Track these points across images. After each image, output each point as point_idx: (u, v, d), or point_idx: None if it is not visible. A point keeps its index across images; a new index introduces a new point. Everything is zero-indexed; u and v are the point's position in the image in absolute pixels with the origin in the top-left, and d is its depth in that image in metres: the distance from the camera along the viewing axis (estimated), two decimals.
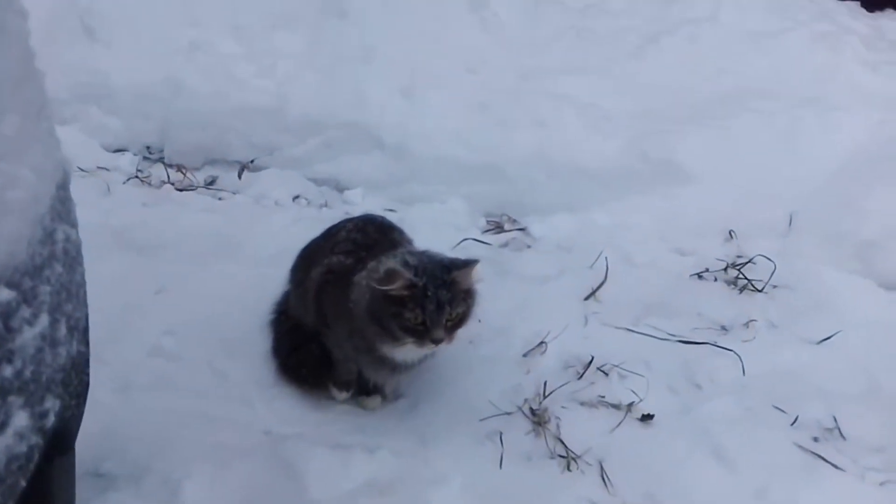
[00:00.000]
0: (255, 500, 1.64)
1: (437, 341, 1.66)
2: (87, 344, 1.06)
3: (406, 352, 1.73)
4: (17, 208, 0.85)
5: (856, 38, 3.22)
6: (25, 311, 0.87)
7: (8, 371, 0.83)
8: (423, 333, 1.65)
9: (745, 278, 2.56)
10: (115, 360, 2.00)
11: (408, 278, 1.64)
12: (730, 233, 2.77)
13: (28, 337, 0.87)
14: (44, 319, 0.90)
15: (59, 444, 0.98)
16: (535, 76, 3.11)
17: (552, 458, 1.81)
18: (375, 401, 1.94)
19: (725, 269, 2.63)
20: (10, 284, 0.83)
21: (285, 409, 1.88)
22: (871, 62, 3.10)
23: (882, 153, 2.78)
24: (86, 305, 1.06)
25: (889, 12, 3.55)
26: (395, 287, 1.63)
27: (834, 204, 2.72)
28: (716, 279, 2.61)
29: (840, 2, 3.51)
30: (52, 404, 0.93)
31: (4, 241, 0.82)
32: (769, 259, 2.60)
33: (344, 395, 1.95)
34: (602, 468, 1.79)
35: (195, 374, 1.98)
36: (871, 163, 2.76)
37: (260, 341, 2.10)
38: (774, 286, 2.54)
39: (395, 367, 1.80)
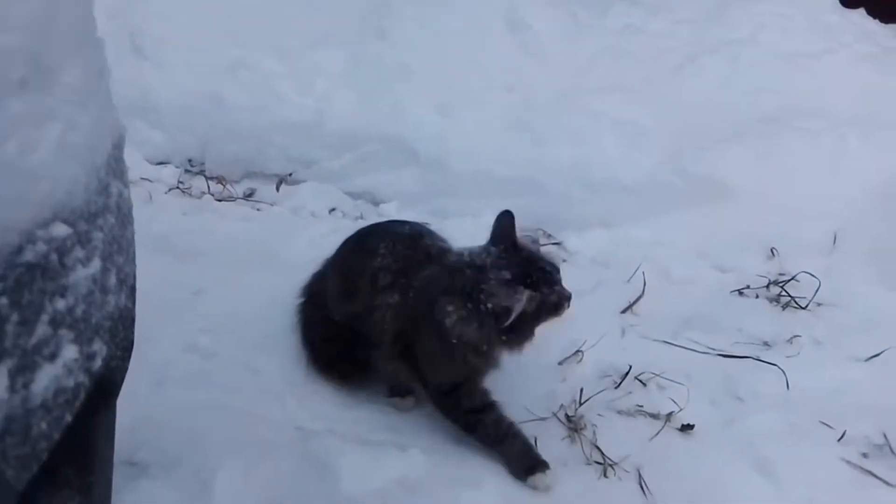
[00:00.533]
0: (285, 494, 1.62)
1: (569, 297, 1.69)
2: (133, 301, 1.07)
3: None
4: (77, 153, 0.88)
5: None
6: (80, 252, 0.90)
7: (61, 305, 0.85)
8: (561, 305, 1.67)
9: (789, 295, 2.50)
10: (152, 356, 2.00)
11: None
12: (771, 250, 2.71)
13: (81, 276, 0.89)
14: (96, 264, 0.92)
15: (104, 391, 0.98)
16: (574, 95, 3.12)
17: (588, 464, 1.76)
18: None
19: (767, 286, 2.57)
20: (67, 222, 0.85)
21: (317, 406, 1.87)
22: None
23: None
24: (134, 263, 1.08)
25: None
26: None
27: (879, 222, 2.65)
28: (757, 296, 2.55)
29: (884, 24, 3.46)
30: (99, 348, 0.94)
31: (65, 181, 0.85)
32: (813, 276, 2.54)
33: (550, 474, 1.70)
34: (640, 476, 1.73)
35: (229, 371, 1.98)
36: None
37: (293, 340, 2.10)
38: (819, 304, 2.47)
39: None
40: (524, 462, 1.69)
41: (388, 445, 1.72)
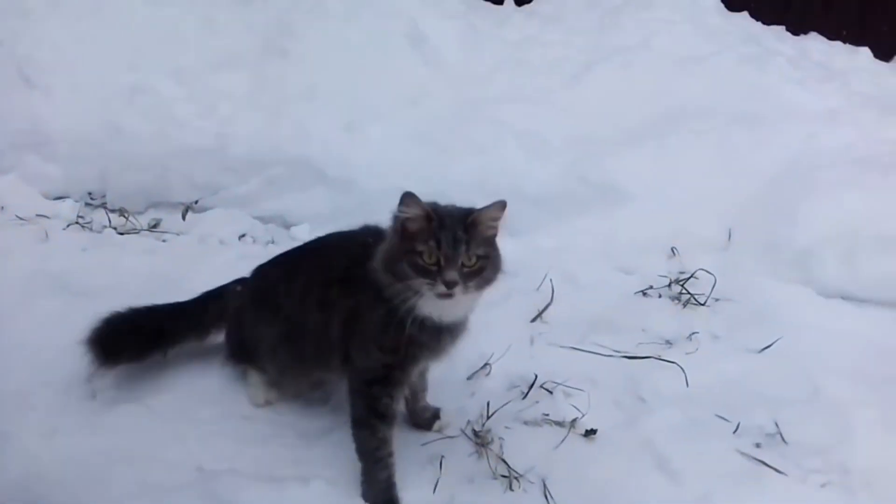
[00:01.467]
0: None
1: (450, 284, 1.53)
2: None
3: (427, 305, 1.59)
4: None
5: (782, 58, 3.34)
6: None
7: None
8: (435, 275, 1.53)
9: (688, 292, 2.60)
10: (44, 405, 1.94)
11: (423, 207, 1.56)
12: (672, 249, 2.81)
13: None
14: None
15: None
16: (476, 106, 3.16)
17: (495, 478, 1.78)
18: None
19: (669, 285, 2.67)
20: None
21: (218, 444, 1.82)
22: (797, 80, 3.22)
23: (812, 164, 2.87)
24: None
25: (813, 35, 3.70)
26: (409, 213, 1.55)
27: (769, 216, 2.79)
28: (660, 295, 2.64)
29: (766, 26, 3.64)
30: None
31: None
32: (710, 273, 2.65)
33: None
34: (545, 485, 1.76)
35: (127, 414, 1.91)
36: (803, 174, 2.85)
37: (196, 379, 2.05)
38: (717, 299, 2.58)
39: (434, 336, 1.65)
40: (379, 497, 1.70)
41: (290, 480, 1.70)
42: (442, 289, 1.55)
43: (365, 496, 1.70)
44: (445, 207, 1.65)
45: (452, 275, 1.54)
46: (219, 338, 2.11)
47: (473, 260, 1.58)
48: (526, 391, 2.08)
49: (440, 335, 1.68)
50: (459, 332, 1.72)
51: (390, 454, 1.70)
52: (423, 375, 1.93)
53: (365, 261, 1.67)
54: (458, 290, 1.55)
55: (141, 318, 2.02)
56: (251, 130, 3.20)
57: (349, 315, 1.72)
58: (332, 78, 3.33)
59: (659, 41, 3.34)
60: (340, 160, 3.09)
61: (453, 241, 1.56)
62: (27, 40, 3.48)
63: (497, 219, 1.65)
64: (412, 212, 1.57)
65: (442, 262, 1.55)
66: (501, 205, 1.64)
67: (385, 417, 1.69)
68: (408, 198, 1.57)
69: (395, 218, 1.61)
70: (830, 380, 2.12)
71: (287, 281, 1.87)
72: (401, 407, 1.80)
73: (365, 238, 1.74)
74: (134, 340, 1.99)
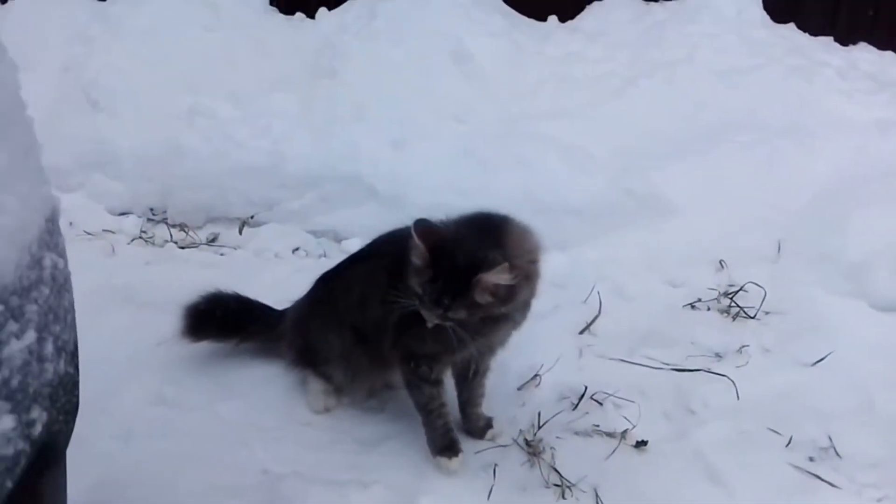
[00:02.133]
0: None
1: (428, 317, 1.62)
2: (75, 367, 1.12)
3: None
4: (6, 234, 0.93)
5: (830, 69, 3.32)
6: (13, 326, 0.94)
7: None
8: (419, 301, 1.61)
9: (738, 306, 2.60)
10: (117, 411, 2.05)
11: (427, 246, 1.55)
12: (720, 262, 2.82)
13: (15, 349, 0.94)
14: (31, 335, 0.97)
15: (47, 455, 1.03)
16: (519, 122, 3.22)
17: (547, 487, 1.82)
18: (456, 462, 1.84)
19: (717, 298, 2.67)
20: None
21: (282, 449, 1.91)
22: (846, 91, 3.20)
23: (862, 176, 2.85)
24: (74, 330, 1.12)
25: (862, 45, 3.66)
26: (416, 247, 1.57)
27: (820, 228, 2.78)
28: (709, 308, 2.64)
29: (813, 38, 3.62)
30: (38, 415, 0.99)
31: None
32: (759, 286, 2.64)
33: (456, 462, 1.82)
34: (597, 495, 1.79)
35: (195, 420, 2.01)
36: (852, 186, 2.83)
37: (259, 386, 2.15)
38: (767, 312, 2.57)
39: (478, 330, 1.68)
40: (438, 442, 1.85)
41: (352, 484, 1.77)
42: (427, 316, 1.64)
43: (429, 444, 1.87)
44: (458, 250, 1.57)
45: (428, 314, 1.62)
46: None
47: (453, 313, 1.59)
48: (576, 402, 2.12)
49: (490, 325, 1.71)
50: (513, 322, 1.76)
51: (442, 405, 1.86)
52: (480, 379, 1.97)
53: None
54: (439, 322, 1.62)
55: (231, 305, 2.23)
56: (303, 149, 3.32)
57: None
58: (380, 97, 3.43)
59: (703, 54, 3.35)
60: (389, 176, 3.18)
61: (433, 303, 1.58)
62: (92, 66, 3.67)
63: (497, 283, 1.56)
64: (417, 249, 1.58)
65: (423, 298, 1.60)
66: (504, 267, 1.54)
67: (427, 380, 1.83)
68: (418, 228, 1.57)
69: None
70: (885, 393, 2.11)
71: (352, 286, 1.96)
72: (448, 374, 1.92)
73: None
74: (219, 323, 2.20)
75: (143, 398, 2.10)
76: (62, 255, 1.09)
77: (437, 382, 1.86)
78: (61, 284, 1.06)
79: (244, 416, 2.02)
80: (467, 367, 1.94)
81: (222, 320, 2.22)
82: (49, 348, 1.01)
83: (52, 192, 1.10)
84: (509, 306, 1.64)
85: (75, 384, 1.11)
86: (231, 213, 3.32)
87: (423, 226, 1.59)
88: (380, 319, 1.87)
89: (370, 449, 1.94)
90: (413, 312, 1.74)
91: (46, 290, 1.02)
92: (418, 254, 1.59)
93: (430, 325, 1.65)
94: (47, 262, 1.03)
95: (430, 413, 1.86)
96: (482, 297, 1.57)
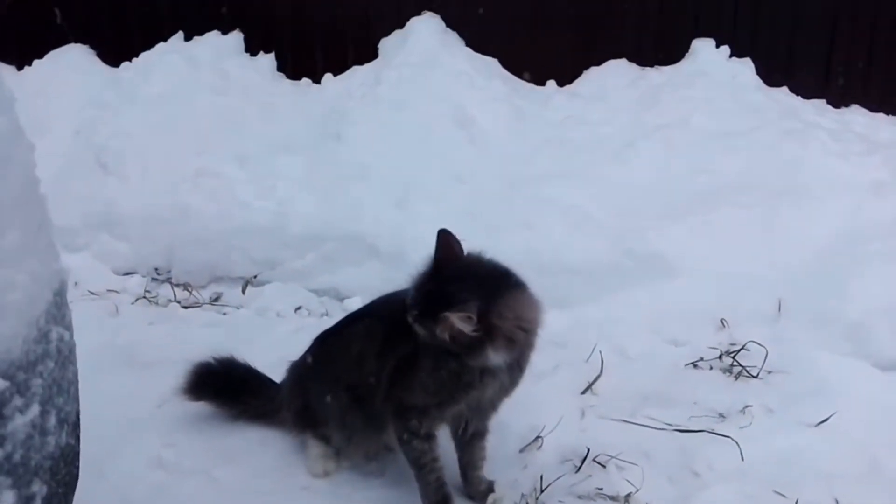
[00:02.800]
0: None
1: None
2: (76, 438, 1.12)
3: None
4: (14, 309, 0.95)
5: (823, 132, 3.39)
6: (18, 401, 0.95)
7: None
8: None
9: (740, 365, 2.59)
10: (115, 475, 2.03)
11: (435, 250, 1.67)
12: (721, 321, 2.82)
13: (19, 424, 0.94)
14: (35, 409, 0.97)
15: None
16: (520, 183, 3.28)
17: None
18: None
19: (720, 357, 2.67)
20: (4, 376, 0.91)
21: None
22: (840, 153, 3.26)
23: (859, 237, 2.88)
24: (77, 401, 1.13)
25: (854, 107, 3.75)
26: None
27: (819, 288, 2.79)
28: (711, 367, 2.64)
29: (806, 100, 3.71)
30: (38, 489, 0.99)
31: (2, 338, 0.91)
32: (761, 345, 2.64)
33: None
34: None
35: (192, 485, 1.99)
36: (850, 247, 2.86)
37: (257, 450, 2.13)
38: (769, 371, 2.56)
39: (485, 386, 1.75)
40: (431, 497, 1.85)
41: None
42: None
43: (422, 500, 1.87)
44: (454, 276, 1.68)
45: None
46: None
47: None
48: (579, 465, 2.10)
49: (482, 381, 1.75)
50: (500, 383, 1.79)
51: (434, 459, 1.85)
52: (479, 442, 1.97)
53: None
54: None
55: (238, 372, 2.26)
56: (307, 209, 3.38)
57: (403, 359, 1.82)
58: (384, 159, 3.50)
59: (699, 118, 3.43)
60: (392, 236, 3.22)
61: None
62: (103, 130, 3.78)
63: (456, 328, 1.59)
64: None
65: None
66: (465, 317, 1.58)
67: (418, 434, 1.83)
68: (442, 232, 1.70)
69: None
70: (890, 454, 2.08)
71: (349, 345, 1.97)
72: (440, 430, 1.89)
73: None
74: (222, 388, 2.23)
75: (142, 462, 2.08)
76: (68, 327, 1.11)
77: (429, 437, 1.85)
78: (66, 356, 1.08)
79: (242, 481, 2.00)
80: (461, 428, 1.93)
81: (225, 385, 2.23)
82: (52, 421, 1.02)
83: (61, 267, 1.13)
84: (471, 356, 1.65)
85: (76, 455, 1.12)
86: (234, 272, 3.36)
87: (447, 234, 1.68)
88: (375, 376, 1.88)
89: None
90: (405, 363, 1.77)
91: (52, 364, 1.03)
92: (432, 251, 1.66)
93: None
94: (54, 335, 1.05)
95: (422, 468, 1.85)
96: (441, 332, 1.62)
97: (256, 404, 2.22)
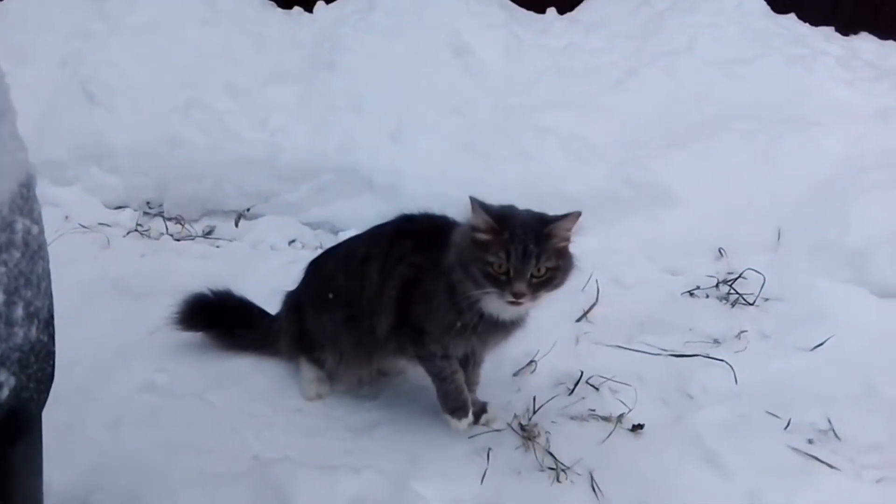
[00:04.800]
0: None
1: (517, 295, 1.59)
2: (50, 336, 1.09)
3: (492, 304, 1.66)
4: None
5: (831, 59, 3.30)
6: None
7: None
8: (505, 284, 1.59)
9: (737, 292, 2.57)
10: (107, 398, 2.03)
11: (492, 216, 1.59)
12: (719, 250, 2.79)
13: None
14: None
15: (17, 423, 1.00)
16: (518, 113, 3.20)
17: (542, 470, 1.79)
18: (465, 422, 1.87)
19: (717, 286, 2.65)
20: None
21: (273, 435, 1.88)
22: (846, 80, 3.17)
23: (862, 164, 2.82)
24: (49, 298, 1.10)
25: (863, 34, 3.64)
26: (477, 223, 1.59)
27: (819, 217, 2.75)
28: (707, 296, 2.62)
29: (814, 27, 3.60)
30: (5, 378, 0.97)
31: None
32: (759, 273, 2.61)
33: (465, 422, 1.86)
34: (592, 478, 1.76)
35: (185, 407, 1.99)
36: (852, 175, 2.80)
37: (251, 375, 2.13)
38: (766, 299, 2.54)
39: (491, 328, 1.74)
40: (450, 402, 1.87)
41: (343, 469, 1.74)
42: (510, 298, 1.61)
43: (440, 404, 1.88)
44: (519, 215, 1.67)
45: (521, 287, 1.59)
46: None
47: (543, 271, 1.62)
48: (572, 387, 2.09)
49: (496, 329, 1.77)
50: (516, 327, 1.81)
51: (454, 371, 1.86)
52: (475, 369, 1.97)
53: (429, 242, 1.77)
54: (525, 299, 1.61)
55: (232, 304, 2.23)
56: (300, 141, 3.30)
57: (408, 279, 1.80)
58: (378, 89, 3.41)
59: (703, 44, 3.33)
60: (387, 168, 3.16)
61: (523, 255, 1.58)
62: (90, 61, 3.67)
63: (570, 230, 1.67)
64: (479, 222, 1.61)
65: (511, 274, 1.59)
66: (576, 215, 1.65)
67: (437, 355, 1.82)
68: (476, 205, 1.60)
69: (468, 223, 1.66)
70: (885, 378, 2.08)
71: (346, 263, 1.94)
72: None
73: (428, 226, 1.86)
74: (216, 319, 2.20)
75: (134, 386, 2.07)
76: (37, 221, 1.07)
77: (448, 357, 1.84)
78: (35, 251, 1.04)
79: (235, 403, 2.00)
80: (466, 359, 1.93)
81: (220, 317, 2.21)
82: (19, 313, 0.99)
83: (27, 158, 1.08)
84: (559, 278, 1.68)
85: (49, 353, 1.09)
86: (227, 205, 3.31)
87: (479, 201, 1.62)
88: (373, 286, 1.85)
89: (362, 435, 1.91)
90: (414, 284, 1.76)
91: (17, 254, 1.00)
92: (482, 222, 1.60)
93: (506, 300, 1.62)
94: (19, 226, 1.01)
95: (443, 380, 1.86)
96: (559, 243, 1.64)
97: (252, 337, 2.20)
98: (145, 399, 2.03)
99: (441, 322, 1.76)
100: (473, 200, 1.63)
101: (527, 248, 1.58)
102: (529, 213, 1.70)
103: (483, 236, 1.61)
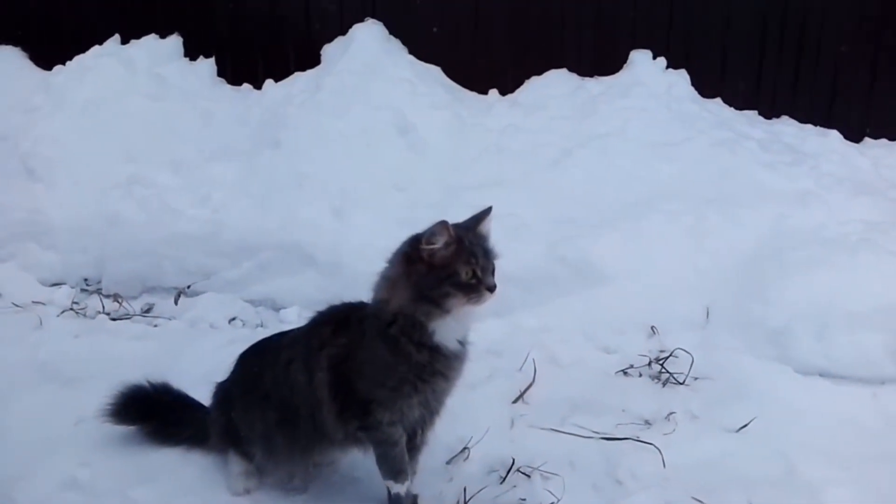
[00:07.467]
0: None
1: (493, 288, 1.75)
2: None
3: (460, 316, 1.76)
4: None
5: (753, 142, 3.48)
6: None
7: None
8: (476, 286, 1.73)
9: (668, 372, 2.64)
10: (25, 498, 1.96)
11: (453, 231, 1.72)
12: (651, 328, 2.87)
13: None
14: None
15: None
16: (458, 191, 3.28)
17: None
18: (406, 485, 1.90)
19: (649, 364, 2.71)
20: None
21: None
22: (767, 163, 3.34)
23: (784, 244, 2.95)
24: None
25: (784, 118, 3.85)
26: (440, 243, 1.71)
27: (744, 295, 2.86)
28: (640, 374, 2.68)
29: (738, 112, 3.80)
30: None
31: None
32: (688, 352, 2.69)
33: (406, 486, 1.89)
34: None
35: None
36: (775, 254, 2.93)
37: (177, 468, 2.08)
38: (695, 378, 2.61)
39: (442, 366, 1.80)
40: (395, 468, 1.88)
41: None
42: (487, 295, 1.75)
43: (384, 474, 1.89)
44: (457, 226, 1.80)
45: (493, 280, 1.78)
46: None
47: (494, 264, 1.82)
48: (504, 476, 2.10)
49: (447, 366, 1.83)
50: (464, 360, 1.88)
51: (400, 436, 1.86)
52: (415, 456, 1.97)
53: (348, 321, 1.84)
54: (496, 291, 1.77)
55: (166, 400, 2.21)
56: (243, 217, 3.32)
57: (337, 361, 1.82)
58: (323, 167, 3.47)
59: (635, 127, 3.48)
60: (329, 245, 3.19)
61: (484, 254, 1.79)
62: (31, 135, 3.67)
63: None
64: (443, 240, 1.73)
65: (480, 274, 1.75)
66: (489, 210, 1.90)
67: (382, 422, 1.82)
68: (441, 227, 1.73)
69: (414, 251, 1.76)
70: (805, 459, 2.13)
71: (272, 369, 1.94)
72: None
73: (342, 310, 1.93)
74: (148, 418, 2.17)
75: (55, 483, 2.01)
76: None
77: (393, 423, 1.84)
78: None
79: (159, 500, 1.95)
80: (413, 436, 1.94)
81: (155, 411, 2.17)
82: None
83: None
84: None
85: None
86: (167, 282, 3.29)
87: (445, 223, 1.75)
88: (302, 385, 1.85)
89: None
90: (346, 361, 1.80)
91: None
92: (448, 238, 1.73)
93: (483, 300, 1.75)
94: None
95: (391, 446, 1.86)
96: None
97: (187, 433, 2.15)
98: (67, 498, 1.97)
99: (390, 379, 1.78)
100: (441, 223, 1.73)
101: (484, 248, 1.80)
102: (460, 224, 1.85)
103: (445, 252, 1.73)
